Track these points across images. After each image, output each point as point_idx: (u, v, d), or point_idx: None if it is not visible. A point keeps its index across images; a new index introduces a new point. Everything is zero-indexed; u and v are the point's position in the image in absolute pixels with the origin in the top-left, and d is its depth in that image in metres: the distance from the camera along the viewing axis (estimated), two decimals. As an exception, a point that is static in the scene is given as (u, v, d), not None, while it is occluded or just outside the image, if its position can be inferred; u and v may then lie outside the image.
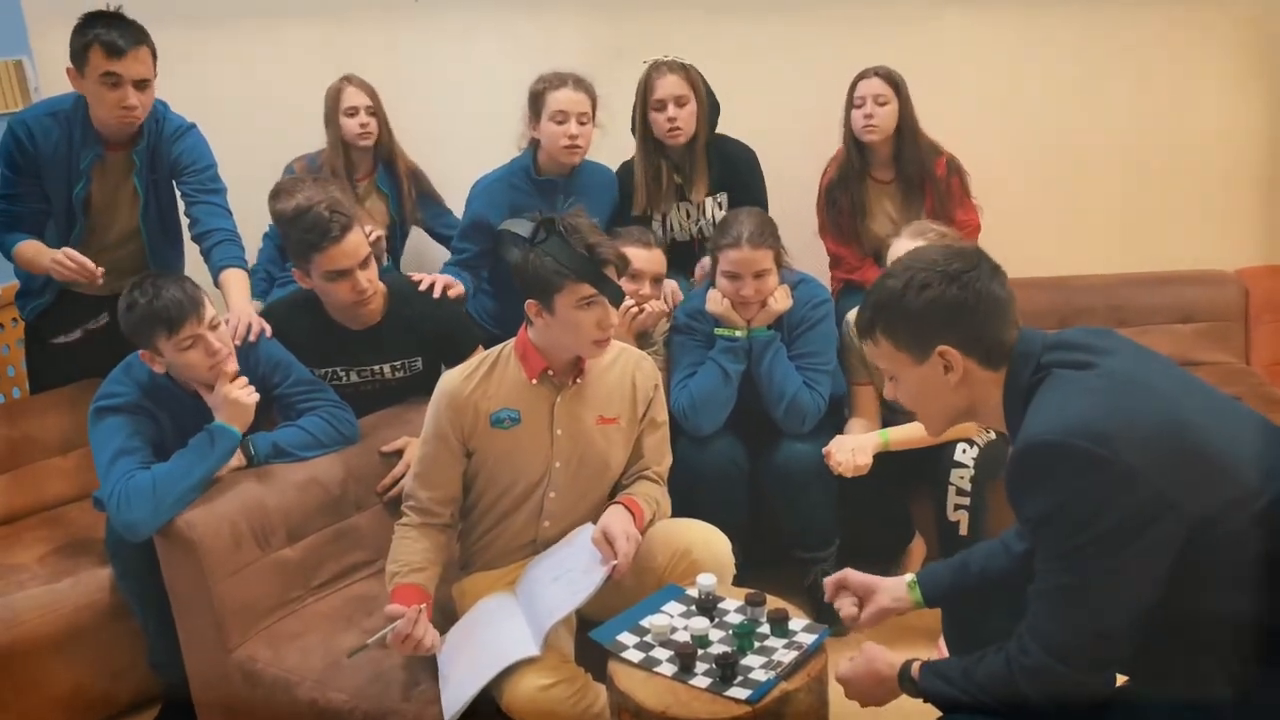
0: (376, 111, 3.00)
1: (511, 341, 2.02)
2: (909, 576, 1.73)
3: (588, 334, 1.90)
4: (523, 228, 1.94)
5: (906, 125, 2.88)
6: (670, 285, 2.75)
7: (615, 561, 1.82)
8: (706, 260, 2.69)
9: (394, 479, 2.30)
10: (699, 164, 2.85)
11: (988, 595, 1.67)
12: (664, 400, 2.12)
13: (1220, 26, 3.24)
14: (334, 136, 2.99)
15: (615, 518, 1.91)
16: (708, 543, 1.96)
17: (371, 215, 3.03)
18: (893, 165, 2.94)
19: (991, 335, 1.44)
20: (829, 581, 1.75)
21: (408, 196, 3.09)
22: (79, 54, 2.35)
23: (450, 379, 2.00)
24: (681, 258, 2.90)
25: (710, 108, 2.83)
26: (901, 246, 2.43)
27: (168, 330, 2.05)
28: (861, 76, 2.89)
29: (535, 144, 2.83)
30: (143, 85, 2.40)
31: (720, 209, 2.86)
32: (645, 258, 2.58)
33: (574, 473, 2.02)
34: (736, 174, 2.87)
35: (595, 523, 1.95)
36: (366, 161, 3.05)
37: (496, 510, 2.04)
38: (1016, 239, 3.08)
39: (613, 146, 2.92)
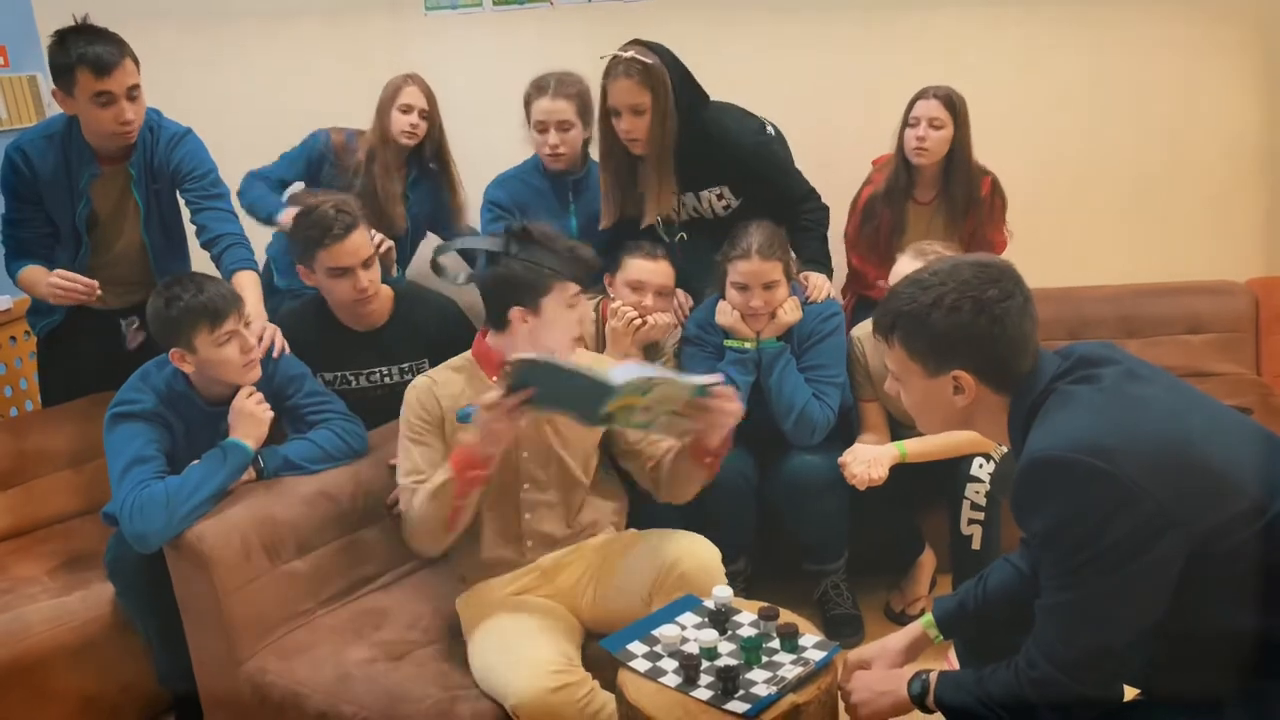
0: (430, 116, 3.00)
1: (466, 353, 2.10)
2: (924, 619, 1.73)
3: (572, 331, 1.99)
4: (490, 243, 1.98)
5: (959, 149, 2.81)
6: (681, 296, 2.74)
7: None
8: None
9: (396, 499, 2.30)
10: (657, 177, 2.58)
11: (1001, 611, 1.66)
12: None
13: (1228, 36, 3.24)
14: (381, 126, 2.99)
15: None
16: (694, 554, 1.96)
17: (390, 214, 3.03)
18: (936, 186, 2.89)
19: (1009, 366, 1.43)
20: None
21: (460, 206, 3.07)
22: (64, 75, 2.33)
23: (416, 381, 2.07)
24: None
25: (690, 96, 2.55)
26: (905, 266, 2.41)
27: (211, 323, 2.08)
28: (920, 95, 2.81)
29: None
30: (133, 94, 2.39)
31: (720, 199, 2.68)
32: (650, 269, 2.58)
33: (543, 463, 2.04)
34: (732, 166, 2.62)
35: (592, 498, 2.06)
36: (400, 161, 3.03)
37: (480, 504, 2.04)
38: (1025, 249, 3.07)
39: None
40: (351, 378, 2.46)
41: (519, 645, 1.84)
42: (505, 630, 1.90)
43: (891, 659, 1.69)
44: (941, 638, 1.72)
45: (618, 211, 2.67)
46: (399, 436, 2.05)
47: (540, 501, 2.05)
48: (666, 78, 2.49)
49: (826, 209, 2.80)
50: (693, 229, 2.76)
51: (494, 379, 2.02)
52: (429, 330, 2.47)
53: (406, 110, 2.97)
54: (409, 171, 3.04)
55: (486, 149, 3.10)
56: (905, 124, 2.84)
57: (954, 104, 2.80)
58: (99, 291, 2.42)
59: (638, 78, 2.47)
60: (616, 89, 2.50)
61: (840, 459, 2.41)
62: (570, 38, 3.27)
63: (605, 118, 2.57)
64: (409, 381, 2.45)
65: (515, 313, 1.97)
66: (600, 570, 2.04)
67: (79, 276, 2.40)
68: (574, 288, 1.96)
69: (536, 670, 1.76)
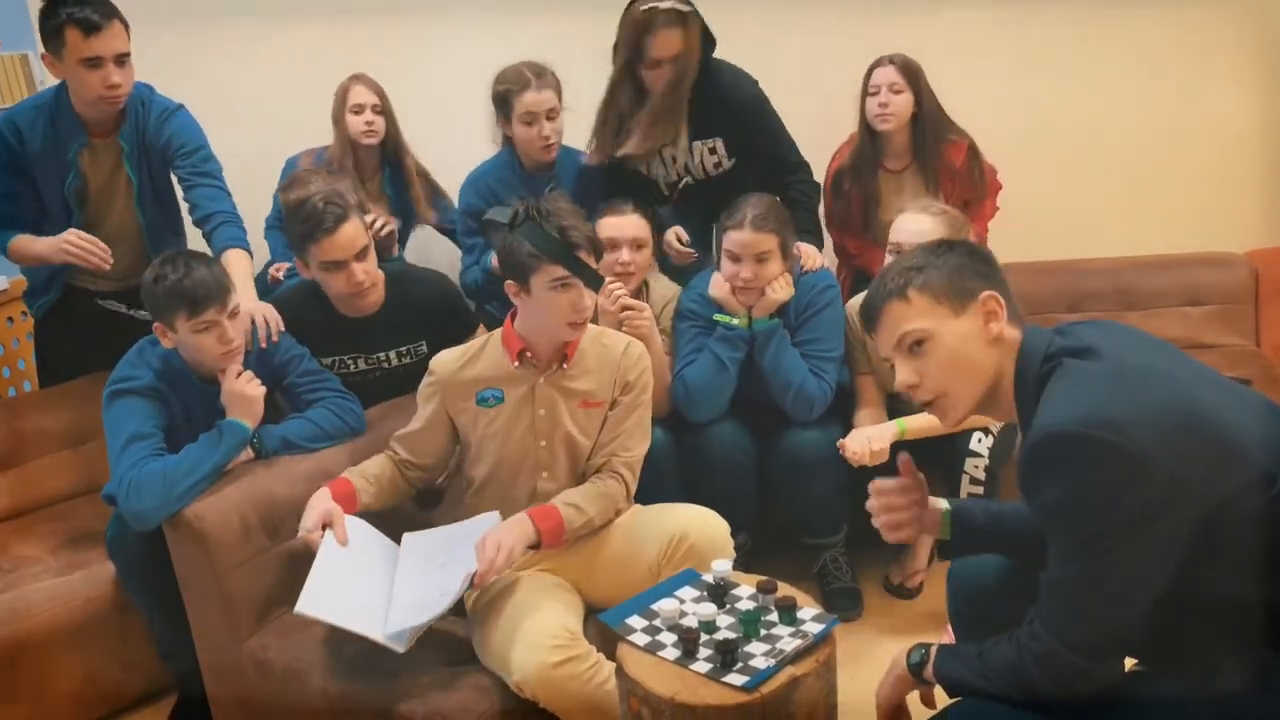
0: (384, 111, 2.97)
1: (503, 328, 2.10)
2: (944, 504, 1.70)
3: (561, 315, 1.96)
4: (503, 214, 2.01)
5: (924, 114, 2.83)
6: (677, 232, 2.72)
7: (473, 570, 1.82)
8: (670, 234, 2.66)
9: None
10: (680, 110, 2.64)
11: (1003, 579, 1.67)
12: (647, 384, 2.12)
13: (1229, 11, 3.22)
14: (341, 134, 2.95)
15: (503, 529, 1.90)
16: (704, 526, 1.97)
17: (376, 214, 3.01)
18: (907, 154, 2.90)
19: (1012, 296, 1.49)
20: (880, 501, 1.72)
21: (418, 198, 3.05)
22: (53, 38, 2.32)
23: (441, 357, 2.11)
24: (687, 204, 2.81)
25: (705, 44, 2.61)
26: (907, 223, 2.43)
27: (189, 310, 2.06)
28: (877, 64, 2.84)
29: (511, 140, 2.84)
30: (122, 60, 2.37)
31: (712, 154, 2.72)
32: (617, 224, 2.55)
33: (559, 453, 2.05)
34: (730, 118, 2.67)
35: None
36: (372, 162, 3.02)
37: (493, 490, 2.08)
38: (1025, 223, 3.08)
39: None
40: (350, 362, 2.45)
41: (521, 620, 1.85)
42: (507, 606, 1.91)
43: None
44: (948, 537, 1.70)
45: (608, 151, 2.68)
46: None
47: (555, 490, 2.05)
48: (699, 22, 2.56)
49: (818, 185, 2.81)
50: (684, 195, 2.76)
51: (515, 363, 2.05)
52: (427, 309, 2.46)
53: (358, 110, 2.93)
54: (382, 169, 3.02)
55: (483, 131, 3.07)
56: (865, 93, 2.85)
57: (911, 69, 2.81)
58: (110, 262, 2.41)
59: (680, 28, 2.51)
60: (661, 40, 2.51)
61: (840, 441, 2.41)
62: (566, 20, 3.24)
63: (630, 63, 2.58)
64: (407, 364, 2.47)
65: (510, 287, 2.00)
66: (606, 544, 2.04)
67: (95, 239, 2.38)
68: (557, 270, 1.92)
69: (538, 644, 1.77)
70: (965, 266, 1.49)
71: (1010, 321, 1.48)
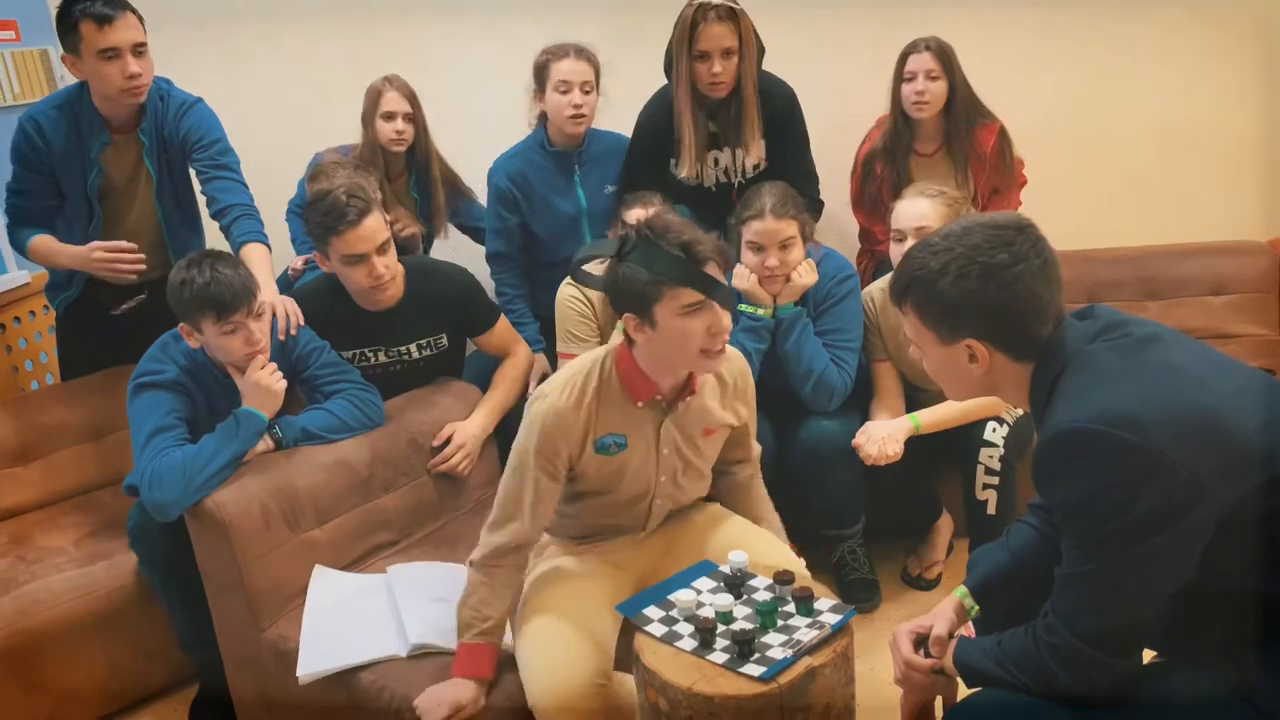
0: (415, 117, 2.93)
1: (607, 355, 1.85)
2: (960, 590, 1.67)
3: (696, 343, 1.72)
4: (603, 248, 1.80)
5: (958, 98, 2.80)
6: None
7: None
8: None
9: (444, 459, 2.35)
10: (747, 115, 2.70)
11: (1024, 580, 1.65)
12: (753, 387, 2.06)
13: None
14: (369, 137, 2.92)
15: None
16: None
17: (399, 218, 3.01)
18: (938, 137, 2.88)
19: (1025, 333, 1.39)
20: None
21: (440, 206, 3.03)
22: (69, 35, 2.34)
23: (551, 401, 1.79)
24: (711, 206, 2.81)
25: (758, 52, 2.69)
26: (905, 208, 2.42)
27: (216, 314, 2.07)
28: (912, 49, 2.80)
29: (545, 118, 2.86)
30: (140, 50, 2.38)
31: (749, 158, 2.78)
32: (644, 217, 2.55)
33: (677, 481, 1.96)
34: (773, 119, 2.76)
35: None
36: (399, 164, 2.99)
37: (599, 516, 1.97)
38: (1044, 211, 2.99)
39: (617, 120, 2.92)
40: (370, 355, 2.46)
41: (559, 649, 1.77)
42: (549, 627, 1.81)
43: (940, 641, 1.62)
44: (978, 608, 1.67)
45: (698, 161, 2.74)
46: (510, 465, 1.83)
47: (669, 508, 2.01)
48: (750, 21, 2.64)
49: (822, 202, 2.84)
50: (701, 198, 2.79)
51: (640, 403, 1.82)
52: (446, 301, 2.47)
53: (389, 118, 2.90)
54: (409, 172, 3.01)
55: (498, 129, 3.06)
56: (900, 79, 2.82)
57: (946, 54, 2.78)
58: (143, 265, 2.43)
59: (730, 21, 2.60)
60: (709, 33, 2.60)
61: (854, 440, 2.40)
62: (581, 16, 3.23)
63: (686, 64, 2.64)
64: (428, 356, 2.47)
65: (629, 322, 1.75)
66: (690, 545, 2.00)
67: (125, 244, 2.41)
68: (688, 295, 1.68)
69: (568, 690, 1.71)
70: (965, 303, 1.37)
71: (1012, 356, 1.40)
